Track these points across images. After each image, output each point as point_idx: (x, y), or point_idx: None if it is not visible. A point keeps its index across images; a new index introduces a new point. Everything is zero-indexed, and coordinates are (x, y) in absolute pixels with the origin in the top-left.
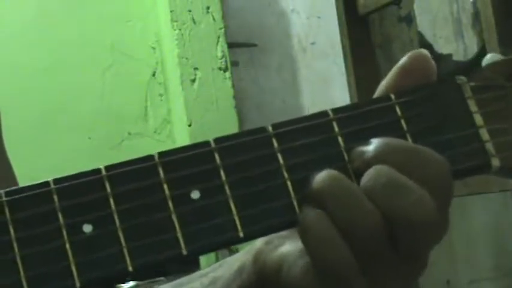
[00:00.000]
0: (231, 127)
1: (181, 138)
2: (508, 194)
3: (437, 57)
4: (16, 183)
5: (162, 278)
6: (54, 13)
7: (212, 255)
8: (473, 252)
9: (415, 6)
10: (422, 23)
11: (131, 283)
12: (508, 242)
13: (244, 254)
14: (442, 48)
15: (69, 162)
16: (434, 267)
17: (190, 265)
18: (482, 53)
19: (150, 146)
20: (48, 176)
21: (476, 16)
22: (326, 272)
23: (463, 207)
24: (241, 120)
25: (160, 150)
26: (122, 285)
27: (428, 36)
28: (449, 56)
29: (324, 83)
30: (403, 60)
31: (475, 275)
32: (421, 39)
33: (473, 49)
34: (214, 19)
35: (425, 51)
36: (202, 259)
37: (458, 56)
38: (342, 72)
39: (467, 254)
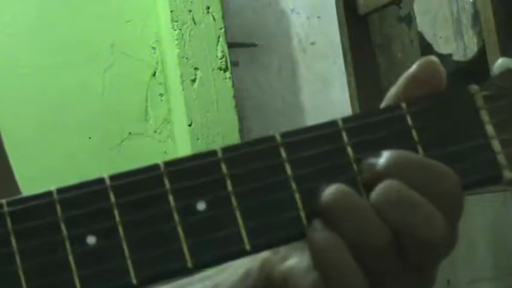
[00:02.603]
0: (231, 127)
1: (182, 138)
2: (508, 194)
3: (437, 57)
4: (16, 186)
5: None
6: (54, 13)
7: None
8: (473, 252)
9: (415, 6)
10: (422, 23)
11: None
12: (508, 242)
13: (250, 259)
14: (442, 48)
15: (69, 162)
16: None
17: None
18: (482, 53)
19: (150, 146)
20: (48, 175)
21: (476, 16)
22: None
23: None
24: (241, 120)
25: (160, 150)
26: None
27: (428, 36)
28: (449, 56)
29: (323, 83)
30: (412, 68)
31: (475, 275)
32: (421, 39)
33: (473, 49)
34: (214, 19)
35: (434, 58)
36: None
37: (458, 56)
38: (341, 72)
39: (467, 254)
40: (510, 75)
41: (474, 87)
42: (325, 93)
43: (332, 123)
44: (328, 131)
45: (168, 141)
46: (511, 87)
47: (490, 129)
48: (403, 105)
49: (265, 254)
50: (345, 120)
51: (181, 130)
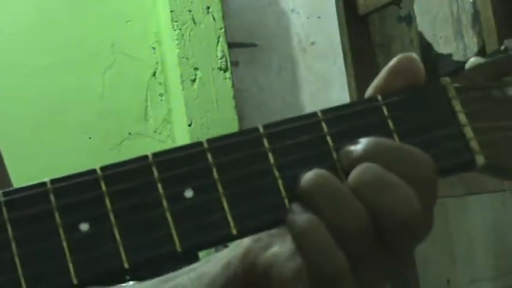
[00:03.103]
0: (231, 127)
1: (181, 138)
2: (507, 193)
3: (437, 57)
4: (10, 184)
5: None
6: (54, 13)
7: (212, 251)
8: (473, 252)
9: (415, 6)
10: (422, 23)
11: (131, 283)
12: (508, 242)
13: (232, 249)
14: (442, 48)
15: (69, 162)
16: (434, 267)
17: (190, 262)
18: (482, 53)
19: (150, 146)
20: (48, 176)
21: (476, 16)
22: (319, 275)
23: (463, 207)
24: (241, 120)
25: (160, 150)
26: (123, 285)
27: (428, 36)
28: (449, 56)
29: (323, 83)
30: (391, 62)
31: (475, 275)
32: (421, 39)
33: (473, 49)
34: (214, 19)
35: (413, 55)
36: (202, 255)
37: (458, 56)
38: (341, 72)
39: (467, 254)
40: (479, 68)
41: (446, 79)
42: (325, 93)
43: (312, 115)
44: (308, 121)
45: (168, 141)
46: (482, 79)
47: (462, 117)
48: (379, 97)
49: (246, 243)
50: (325, 111)
51: (181, 130)
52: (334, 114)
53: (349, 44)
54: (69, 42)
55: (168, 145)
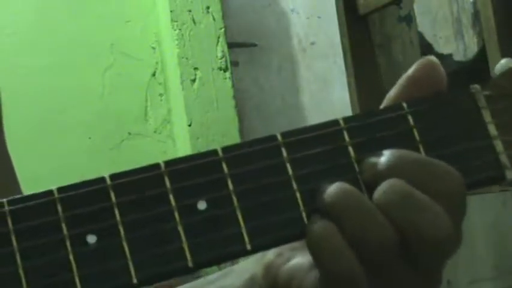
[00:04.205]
0: (231, 127)
1: (181, 138)
2: (507, 193)
3: (437, 57)
4: (18, 186)
5: None
6: (54, 13)
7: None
8: (473, 252)
9: (415, 6)
10: (422, 23)
11: None
12: (508, 242)
13: (254, 264)
14: (442, 48)
15: (69, 162)
16: None
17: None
18: (482, 53)
19: (150, 146)
20: (48, 175)
21: (476, 16)
22: (335, 285)
23: None
24: (241, 120)
25: (160, 150)
26: None
27: (428, 36)
28: (449, 56)
29: (324, 83)
30: (411, 68)
31: (475, 275)
32: (421, 39)
33: (473, 49)
34: (214, 19)
35: (434, 59)
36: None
37: (458, 56)
38: (342, 72)
39: (467, 254)
40: (511, 75)
41: (476, 87)
42: (325, 93)
43: (333, 123)
44: (329, 130)
45: (168, 141)
46: None
47: (492, 129)
48: (405, 105)
49: (268, 258)
50: (347, 119)
51: (181, 130)
52: (356, 122)
53: (349, 44)
54: (69, 42)
55: (168, 145)
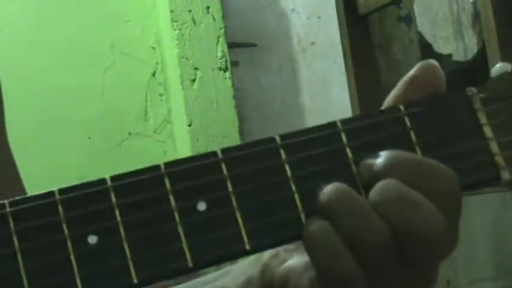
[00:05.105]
0: (231, 127)
1: (181, 138)
2: (507, 194)
3: (437, 57)
4: (22, 186)
5: None
6: (54, 13)
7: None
8: (473, 252)
9: (415, 6)
10: (422, 23)
11: None
12: (508, 242)
13: (251, 265)
14: (442, 48)
15: (69, 162)
16: None
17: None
18: (482, 53)
19: (150, 146)
20: (48, 175)
21: (476, 16)
22: (332, 284)
23: (463, 207)
24: (241, 120)
25: (160, 150)
26: None
27: (428, 36)
28: (449, 56)
29: (323, 83)
30: (411, 71)
31: (475, 275)
32: (421, 39)
33: (473, 49)
34: (214, 19)
35: (434, 62)
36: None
37: (458, 56)
38: (342, 72)
39: (467, 254)
40: (507, 78)
41: (472, 90)
42: (325, 93)
43: (331, 125)
44: (327, 132)
45: (168, 141)
46: (508, 89)
47: (488, 131)
48: (402, 107)
49: (265, 259)
50: (344, 121)
51: (181, 130)
52: (354, 124)
53: (349, 44)
54: (69, 42)
55: (168, 145)
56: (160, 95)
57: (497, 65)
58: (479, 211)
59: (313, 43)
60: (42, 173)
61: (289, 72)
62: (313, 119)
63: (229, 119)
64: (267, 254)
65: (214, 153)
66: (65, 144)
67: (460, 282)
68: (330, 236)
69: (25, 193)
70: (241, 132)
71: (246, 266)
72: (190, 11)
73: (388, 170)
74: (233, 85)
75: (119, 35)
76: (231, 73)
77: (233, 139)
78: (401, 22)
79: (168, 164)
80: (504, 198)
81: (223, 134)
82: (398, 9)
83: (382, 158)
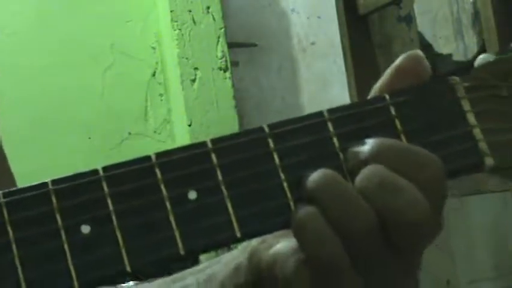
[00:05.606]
0: (231, 127)
1: (181, 138)
2: (508, 194)
3: (437, 57)
4: (13, 179)
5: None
6: (54, 13)
7: (213, 252)
8: (473, 252)
9: (415, 6)
10: (422, 23)
11: (131, 283)
12: (508, 242)
13: (241, 252)
14: (442, 48)
15: (69, 162)
16: (434, 267)
17: (192, 263)
18: (482, 53)
19: (150, 146)
20: (48, 176)
21: (476, 16)
22: (319, 268)
23: (463, 207)
24: (241, 120)
25: (160, 150)
26: (122, 285)
27: (428, 36)
28: (449, 56)
29: (323, 83)
30: (397, 60)
31: (475, 275)
32: (421, 39)
33: (473, 49)
34: (214, 19)
35: (419, 52)
36: (203, 256)
37: (458, 56)
38: (342, 72)
39: (467, 254)
40: (489, 67)
41: (455, 78)
42: (325, 93)
43: (318, 114)
44: (314, 121)
45: (168, 141)
46: (491, 78)
47: (471, 118)
48: (387, 96)
49: (252, 244)
50: (331, 111)
51: (181, 130)
52: (340, 113)
53: (349, 44)
54: (69, 42)
55: (168, 145)
56: (160, 95)
57: (481, 56)
58: (479, 211)
59: (313, 43)
60: (41, 173)
61: (289, 72)
62: None
63: (229, 119)
64: (254, 241)
65: (203, 143)
66: (65, 144)
67: (460, 282)
68: (317, 221)
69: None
70: None
71: (236, 254)
72: (190, 11)
73: (374, 157)
74: (233, 85)
75: (119, 35)
76: (231, 73)
77: None
78: (401, 22)
79: (159, 154)
80: (504, 198)
81: (223, 134)
82: (399, 9)
83: (368, 145)
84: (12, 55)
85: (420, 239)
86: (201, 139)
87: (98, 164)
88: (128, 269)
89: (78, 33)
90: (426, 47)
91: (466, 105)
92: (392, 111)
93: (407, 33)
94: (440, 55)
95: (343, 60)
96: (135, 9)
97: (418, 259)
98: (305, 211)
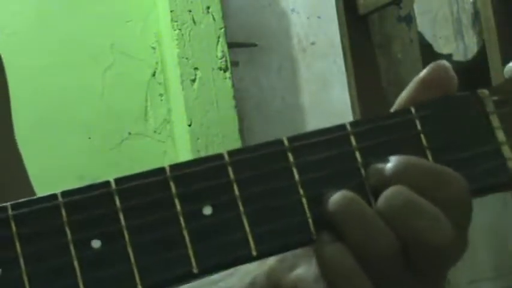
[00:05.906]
0: (231, 127)
1: (181, 138)
2: (508, 194)
3: (437, 57)
4: (30, 186)
5: None
6: (54, 13)
7: None
8: (473, 252)
9: (415, 6)
10: (422, 23)
11: None
12: (508, 242)
13: (256, 267)
14: (442, 48)
15: (69, 162)
16: None
17: None
18: (482, 53)
19: (150, 146)
20: (48, 175)
21: (476, 16)
22: None
23: None
24: (241, 120)
25: (160, 150)
26: None
27: (428, 36)
28: (449, 56)
29: (323, 83)
30: (423, 72)
31: (475, 275)
32: (421, 39)
33: (473, 49)
34: (214, 19)
35: (446, 63)
36: None
37: (458, 56)
38: (342, 72)
39: (467, 254)
40: None
41: (484, 92)
42: (325, 93)
43: (340, 127)
44: (336, 135)
45: (168, 141)
46: None
47: (500, 135)
48: (413, 109)
49: (271, 262)
50: (354, 124)
51: (181, 130)
52: (363, 127)
53: (349, 44)
54: (69, 42)
55: (168, 145)
56: (160, 95)
57: (510, 64)
58: (479, 211)
59: (313, 43)
60: (42, 173)
61: (289, 72)
62: (313, 119)
63: (229, 119)
64: (273, 257)
65: (220, 156)
66: (65, 144)
67: (460, 282)
68: (347, 260)
69: (33, 193)
70: (241, 132)
71: (251, 268)
72: (190, 11)
73: (397, 176)
74: (233, 85)
75: (119, 35)
76: (231, 73)
77: (233, 139)
78: (401, 22)
79: (173, 167)
80: (504, 198)
81: (223, 134)
82: (399, 9)
83: (391, 163)
84: (12, 55)
85: (444, 263)
86: (201, 139)
87: (98, 164)
88: (139, 287)
89: (78, 33)
90: (426, 47)
91: (495, 121)
92: (418, 125)
93: (407, 33)
94: (440, 55)
95: (343, 60)
96: (135, 9)
97: (442, 282)
98: (333, 249)
